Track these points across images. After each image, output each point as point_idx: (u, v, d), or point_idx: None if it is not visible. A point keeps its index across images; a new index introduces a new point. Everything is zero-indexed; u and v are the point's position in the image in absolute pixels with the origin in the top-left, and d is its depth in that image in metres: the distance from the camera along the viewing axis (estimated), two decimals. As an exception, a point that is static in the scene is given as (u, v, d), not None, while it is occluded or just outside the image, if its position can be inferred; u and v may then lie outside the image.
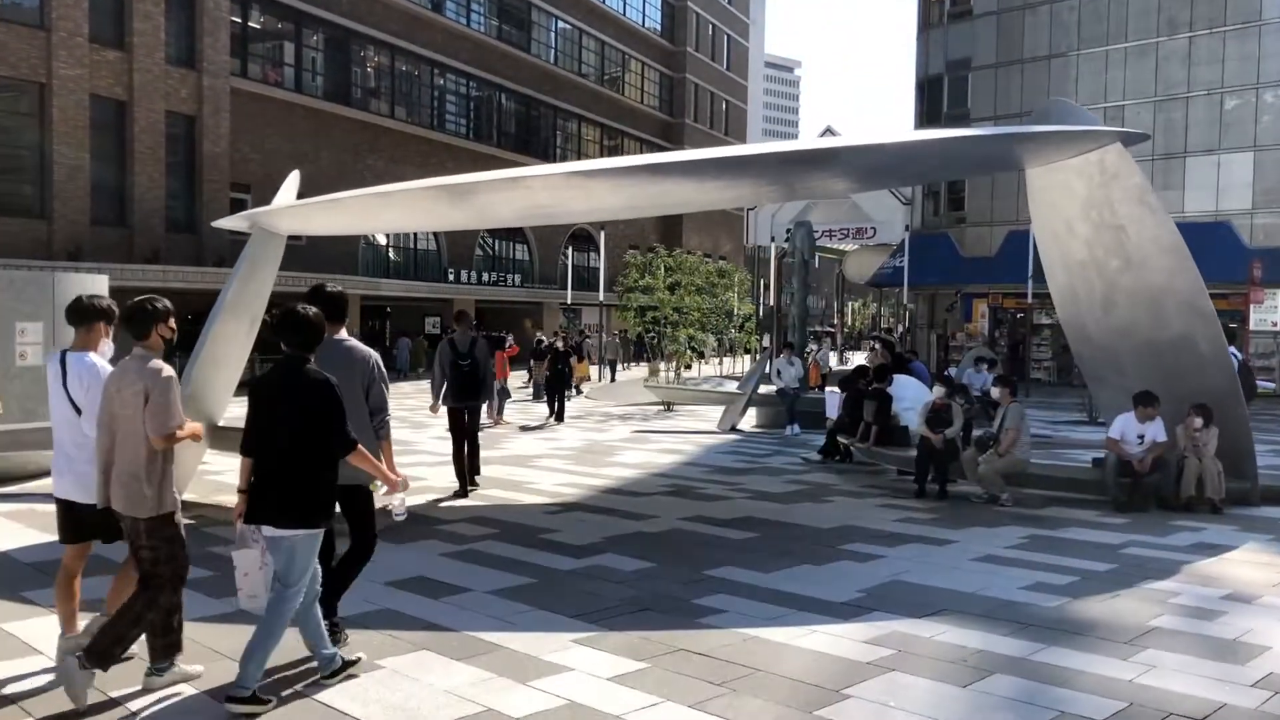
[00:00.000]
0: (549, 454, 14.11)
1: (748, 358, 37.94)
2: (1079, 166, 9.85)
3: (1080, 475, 10.80)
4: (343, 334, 5.36)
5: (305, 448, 4.42)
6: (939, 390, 10.79)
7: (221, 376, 9.47)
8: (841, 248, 48.33)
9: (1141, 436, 9.85)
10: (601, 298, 32.78)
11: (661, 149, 57.40)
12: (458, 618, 5.92)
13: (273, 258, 9.64)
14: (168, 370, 4.49)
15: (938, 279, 36.63)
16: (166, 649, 4.63)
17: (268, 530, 4.44)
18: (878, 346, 21.60)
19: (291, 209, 8.92)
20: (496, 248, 45.64)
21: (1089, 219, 10.23)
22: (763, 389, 18.14)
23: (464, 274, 40.72)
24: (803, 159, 7.97)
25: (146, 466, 4.43)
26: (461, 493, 10.33)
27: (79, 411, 4.79)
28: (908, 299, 34.98)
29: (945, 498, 10.43)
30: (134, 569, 4.66)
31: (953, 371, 20.64)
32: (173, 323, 4.64)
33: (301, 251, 34.33)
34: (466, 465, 10.43)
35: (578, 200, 8.87)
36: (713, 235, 58.71)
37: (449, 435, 10.74)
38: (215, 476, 11.30)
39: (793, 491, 10.95)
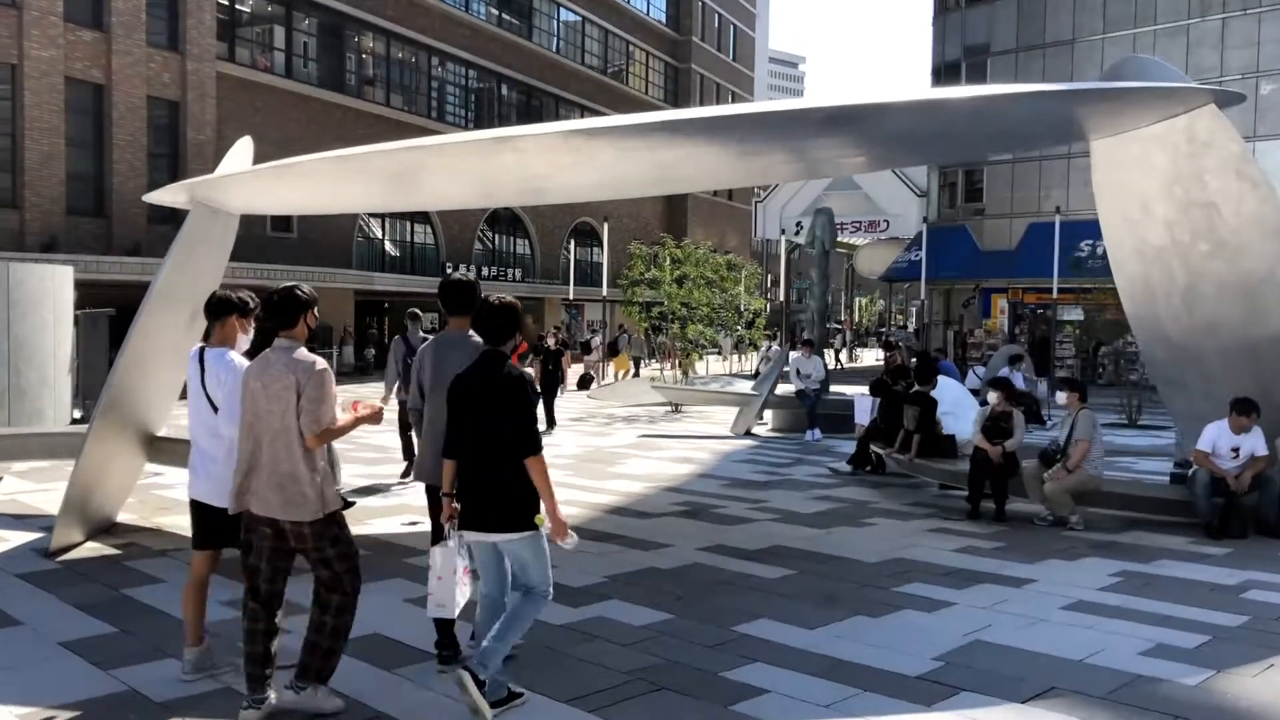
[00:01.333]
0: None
1: (755, 355, 36.53)
2: (1160, 135, 8.34)
3: (1161, 494, 9.33)
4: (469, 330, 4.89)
5: (512, 446, 4.20)
6: (995, 395, 9.32)
7: (157, 379, 8.02)
8: (852, 241, 46.91)
9: (1236, 450, 8.39)
10: (605, 293, 31.31)
11: (666, 141, 55.88)
12: (409, 705, 4.48)
13: (218, 240, 8.18)
14: (320, 362, 4.19)
15: (954, 273, 35.20)
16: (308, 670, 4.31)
17: (493, 537, 4.27)
18: (899, 344, 20.21)
19: (236, 179, 7.49)
20: (496, 241, 44.21)
21: (1171, 197, 8.73)
22: (779, 389, 16.70)
23: (462, 268, 39.27)
24: (848, 116, 6.55)
25: (304, 466, 4.14)
26: (406, 473, 10.73)
27: (216, 410, 4.66)
28: (924, 294, 33.46)
29: (1004, 520, 8.99)
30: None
31: (980, 371, 19.23)
32: (316, 311, 4.39)
33: (290, 244, 33.03)
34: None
35: (577, 170, 7.45)
36: (718, 229, 57.14)
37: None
38: (166, 491, 9.89)
39: (825, 512, 9.50)
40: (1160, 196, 8.80)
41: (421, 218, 39.38)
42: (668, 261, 24.55)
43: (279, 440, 4.14)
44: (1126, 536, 8.43)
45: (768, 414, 16.82)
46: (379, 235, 37.89)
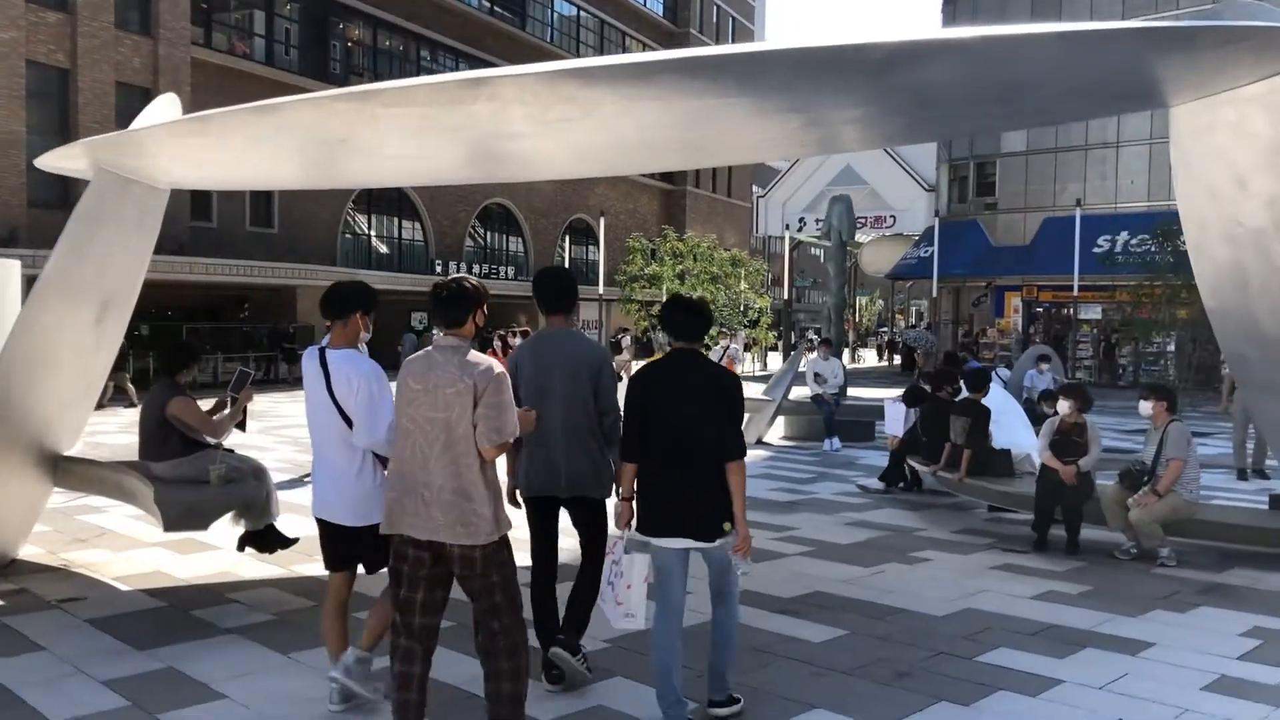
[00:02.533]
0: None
1: (773, 355, 35.05)
2: (1261, 95, 6.89)
3: (1265, 523, 7.88)
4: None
5: (716, 448, 4.04)
6: (1067, 404, 7.86)
7: (58, 388, 6.54)
8: (856, 238, 45.49)
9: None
10: (601, 291, 29.85)
11: (664, 136, 54.38)
12: None
13: (134, 220, 6.65)
14: (499, 365, 3.73)
15: (965, 270, 33.79)
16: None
17: (690, 544, 4.08)
18: (918, 346, 18.79)
19: (146, 139, 5.97)
20: (489, 239, 42.73)
21: (1274, 170, 7.29)
22: (793, 393, 15.25)
23: (453, 266, 37.78)
24: (919, 53, 5.12)
25: (480, 483, 3.67)
26: None
27: (349, 422, 4.17)
28: (935, 291, 32.08)
29: (1078, 551, 7.55)
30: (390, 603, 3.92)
31: (1004, 374, 17.79)
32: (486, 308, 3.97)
33: (271, 239, 31.52)
34: None
35: (569, 131, 6.00)
36: (716, 226, 55.65)
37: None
38: (92, 517, 8.42)
39: (866, 543, 8.05)
40: (1260, 168, 7.30)
41: (410, 213, 37.91)
42: (668, 256, 23.05)
43: (448, 453, 3.65)
44: (1233, 576, 7.00)
45: (779, 421, 15.38)
46: (366, 231, 36.39)
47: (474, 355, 3.73)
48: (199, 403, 6.16)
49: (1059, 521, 7.75)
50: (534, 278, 4.82)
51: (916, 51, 5.30)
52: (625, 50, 51.16)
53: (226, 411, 6.03)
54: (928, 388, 10.62)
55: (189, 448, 6.06)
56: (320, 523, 4.37)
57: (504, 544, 3.76)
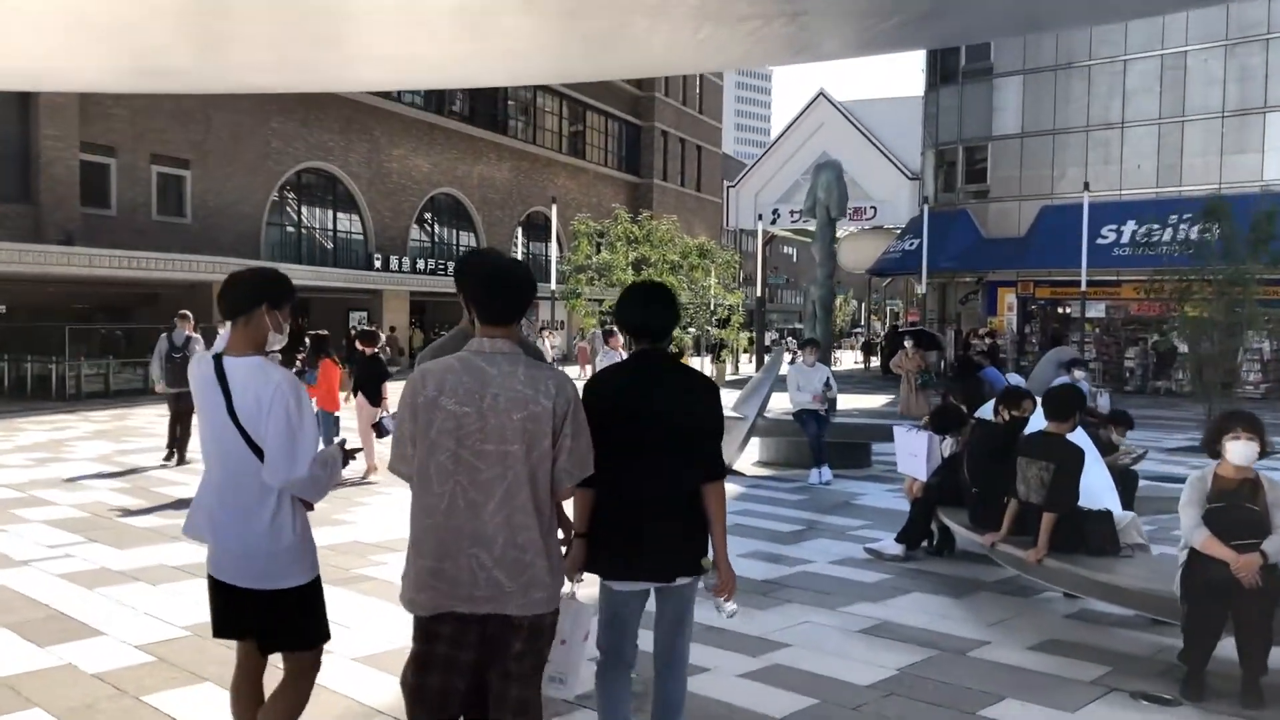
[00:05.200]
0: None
1: (744, 359, 31.91)
2: None
3: None
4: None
5: (691, 469, 3.34)
6: (1243, 449, 4.69)
7: None
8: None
9: None
10: (554, 287, 26.59)
11: (632, 126, 51.36)
12: None
13: None
14: (573, 382, 2.91)
15: (953, 264, 30.85)
16: None
17: (655, 585, 3.40)
18: (907, 345, 15.71)
19: None
20: (437, 232, 39.36)
21: None
22: (770, 408, 12.12)
23: (393, 260, 34.40)
24: None
25: (546, 533, 2.85)
26: (168, 457, 11.59)
27: (258, 452, 3.08)
28: (924, 286, 29.09)
29: (1261, 701, 4.45)
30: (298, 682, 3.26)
31: (1019, 380, 14.76)
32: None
33: (183, 230, 27.95)
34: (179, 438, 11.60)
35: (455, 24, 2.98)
36: (684, 220, 52.54)
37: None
38: None
39: (897, 680, 4.90)
40: None
41: (347, 203, 34.49)
42: (620, 241, 19.77)
43: (513, 498, 2.78)
44: None
45: (753, 443, 12.25)
46: (295, 222, 32.91)
47: (547, 368, 2.91)
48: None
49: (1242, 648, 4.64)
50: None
51: None
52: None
53: None
54: (964, 406, 7.52)
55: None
56: (216, 584, 3.24)
57: (557, 613, 2.95)
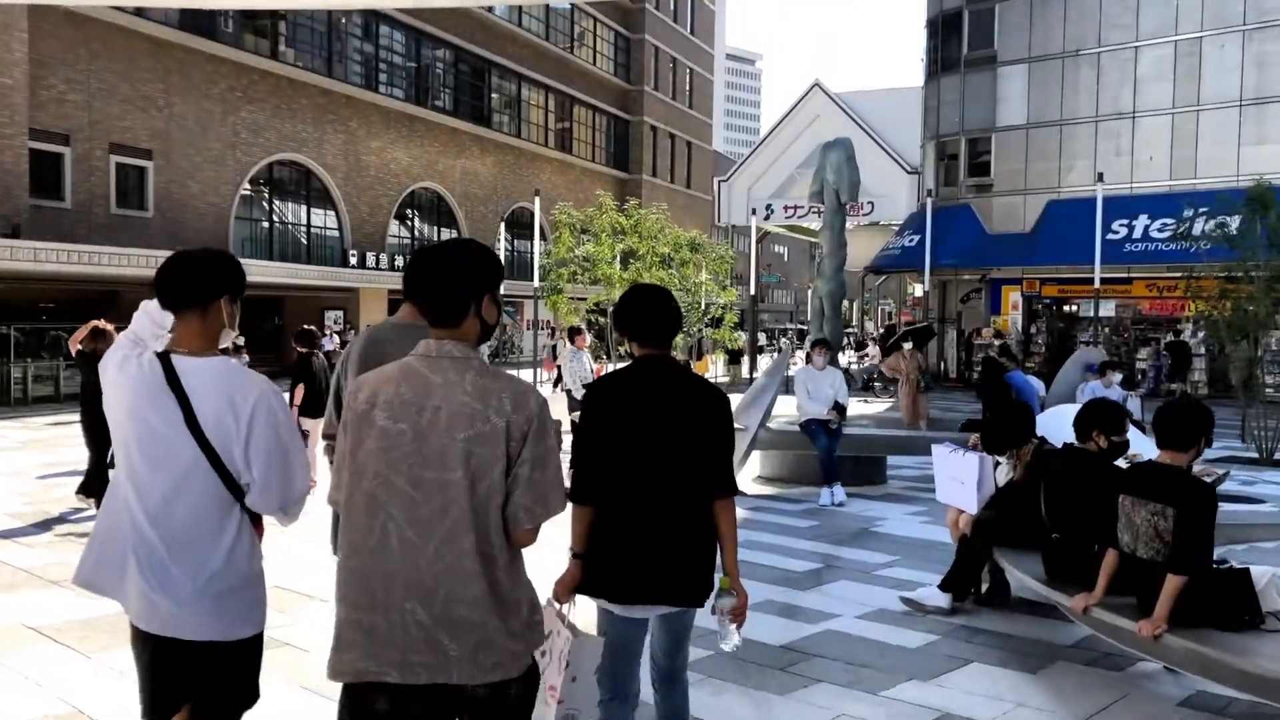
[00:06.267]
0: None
1: (723, 361, 30.49)
2: None
3: None
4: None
5: (697, 484, 3.14)
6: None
7: None
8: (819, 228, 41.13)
9: None
10: (536, 285, 25.13)
11: (621, 121, 49.92)
12: None
13: None
14: (538, 393, 2.40)
15: (955, 261, 29.51)
16: None
17: (660, 610, 3.17)
18: (905, 347, 14.29)
19: None
20: (417, 229, 37.85)
21: None
22: (775, 418, 10.71)
23: (370, 258, 32.89)
24: None
25: (512, 581, 2.34)
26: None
27: (223, 472, 2.57)
28: (928, 284, 27.70)
29: None
30: None
31: (1034, 385, 13.40)
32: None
33: (144, 225, 26.37)
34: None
35: None
36: (675, 218, 51.24)
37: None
38: None
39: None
40: None
41: (321, 198, 32.96)
42: (605, 233, 18.27)
43: (459, 540, 2.25)
44: None
45: (754, 456, 10.85)
46: (266, 217, 31.36)
47: (496, 373, 2.37)
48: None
49: None
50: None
51: None
52: (574, 22, 46.47)
53: None
54: (1031, 435, 6.11)
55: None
56: (147, 641, 2.61)
57: (536, 671, 2.46)
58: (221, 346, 2.77)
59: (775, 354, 35.32)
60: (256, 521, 2.72)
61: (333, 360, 28.54)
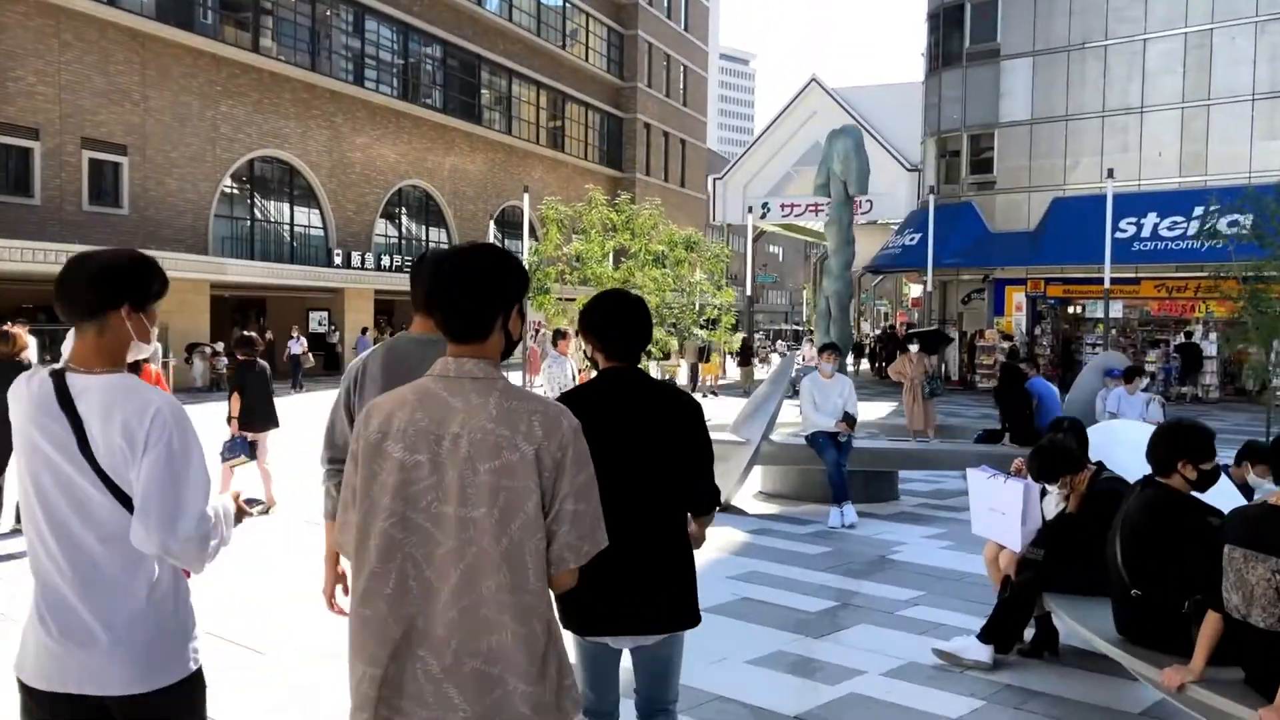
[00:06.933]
0: (301, 604, 5.59)
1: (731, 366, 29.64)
2: None
3: None
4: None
5: (679, 501, 2.99)
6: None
7: None
8: (819, 227, 40.29)
9: None
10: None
11: (613, 118, 49.07)
12: None
13: None
14: (571, 414, 2.16)
15: (958, 260, 28.74)
16: None
17: (644, 640, 2.92)
18: (911, 350, 13.46)
19: None
20: (405, 228, 36.92)
21: None
22: (778, 427, 9.85)
23: (355, 257, 31.94)
24: None
25: (544, 632, 2.07)
26: None
27: (127, 503, 2.26)
28: (930, 284, 26.87)
29: None
30: None
31: (1047, 390, 12.56)
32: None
33: (118, 222, 25.40)
34: None
35: None
36: (668, 217, 50.39)
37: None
38: None
39: None
40: None
41: (305, 196, 32.02)
42: (595, 231, 17.37)
43: (479, 583, 2.02)
44: None
45: (755, 471, 9.98)
46: (248, 215, 30.41)
47: (522, 394, 2.13)
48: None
49: None
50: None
51: None
52: (565, 18, 45.59)
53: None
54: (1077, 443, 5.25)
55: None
56: (44, 703, 2.29)
57: None
58: (137, 358, 2.42)
59: (776, 356, 34.50)
60: None
61: (302, 364, 27.32)
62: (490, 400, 2.06)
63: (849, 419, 9.21)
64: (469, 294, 2.12)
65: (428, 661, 2.04)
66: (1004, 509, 5.39)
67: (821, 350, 9.44)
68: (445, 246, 38.34)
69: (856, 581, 6.85)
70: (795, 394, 9.90)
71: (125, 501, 2.26)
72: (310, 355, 25.99)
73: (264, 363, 9.37)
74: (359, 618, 2.10)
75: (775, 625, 5.78)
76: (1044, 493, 5.31)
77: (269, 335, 25.29)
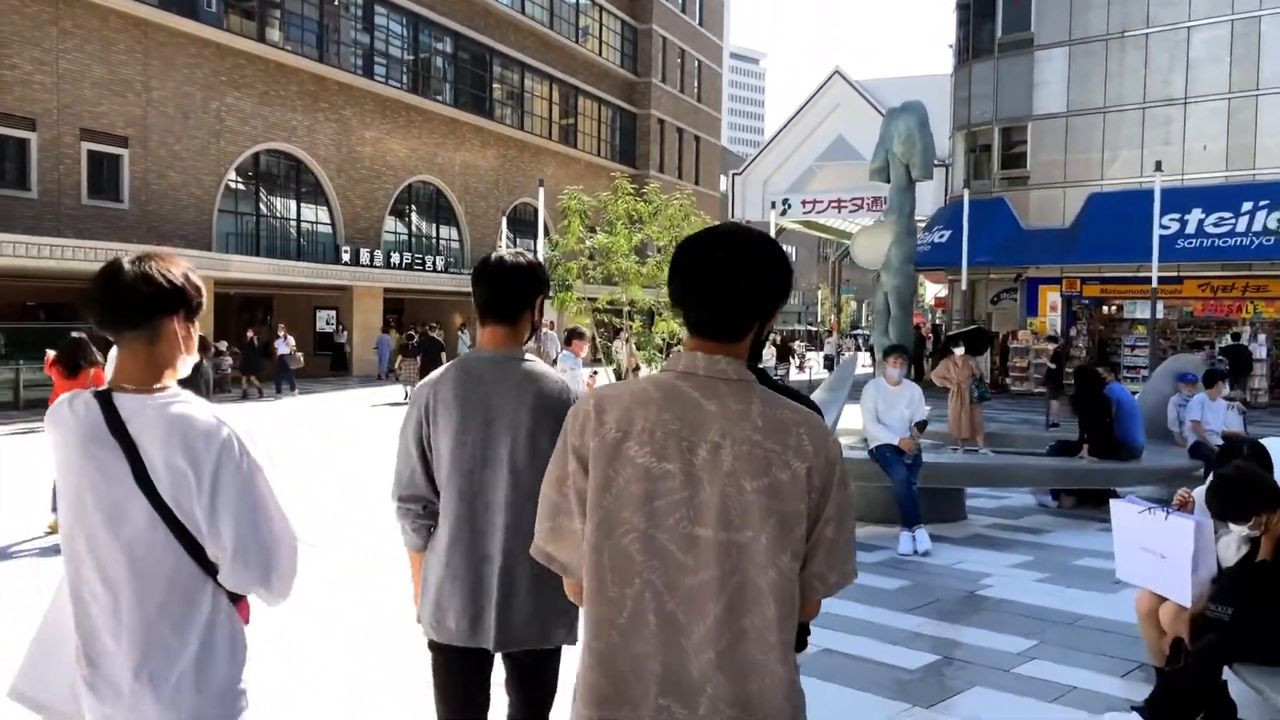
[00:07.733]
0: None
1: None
2: None
3: None
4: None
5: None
6: None
7: None
8: (842, 225, 39.23)
9: None
10: (541, 282, 23.23)
11: (627, 114, 48.06)
12: None
13: None
14: (826, 427, 1.91)
15: (989, 258, 27.59)
16: None
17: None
18: (956, 353, 12.39)
19: None
20: (415, 225, 35.96)
21: None
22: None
23: (364, 254, 30.97)
24: None
25: (784, 662, 1.79)
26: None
27: (188, 540, 2.07)
28: (964, 283, 25.81)
29: None
30: None
31: (1120, 392, 11.50)
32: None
33: (118, 217, 24.39)
34: None
35: None
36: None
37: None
38: None
39: None
40: None
41: (313, 192, 31.06)
42: (620, 224, 16.32)
43: (738, 619, 1.76)
44: None
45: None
46: (254, 210, 29.46)
47: (781, 401, 1.83)
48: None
49: None
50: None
51: None
52: (579, 11, 44.60)
53: None
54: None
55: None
56: None
57: None
58: (183, 375, 2.19)
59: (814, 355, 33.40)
60: (236, 601, 2.15)
61: (289, 364, 26.14)
62: (752, 407, 1.79)
63: (921, 427, 8.22)
64: (744, 288, 1.82)
65: (674, 711, 1.77)
66: (1164, 551, 4.35)
67: (887, 353, 8.38)
68: (456, 245, 37.53)
69: (954, 628, 5.80)
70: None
71: (185, 537, 2.05)
72: (299, 355, 24.77)
73: (208, 366, 8.41)
74: (592, 653, 1.83)
75: (872, 689, 4.75)
76: (1218, 532, 4.27)
77: (250, 334, 24.23)
